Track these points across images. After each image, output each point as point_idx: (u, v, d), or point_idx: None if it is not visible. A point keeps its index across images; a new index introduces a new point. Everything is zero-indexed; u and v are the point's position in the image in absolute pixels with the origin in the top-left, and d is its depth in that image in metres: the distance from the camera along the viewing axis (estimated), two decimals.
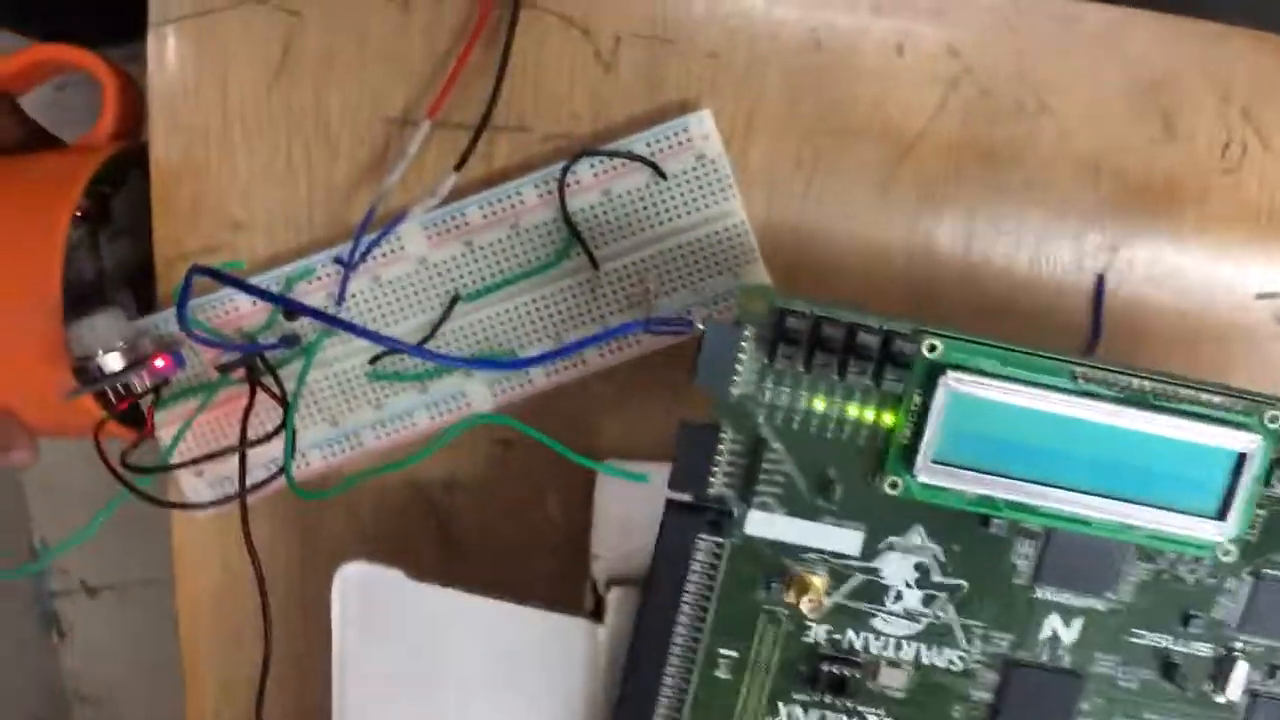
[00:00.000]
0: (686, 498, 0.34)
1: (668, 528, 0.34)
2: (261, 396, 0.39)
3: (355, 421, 0.41)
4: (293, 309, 0.38)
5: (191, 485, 0.41)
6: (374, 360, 0.40)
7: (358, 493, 0.42)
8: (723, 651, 0.35)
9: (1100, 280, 0.42)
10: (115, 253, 0.43)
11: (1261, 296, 0.42)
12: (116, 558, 0.90)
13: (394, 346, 0.36)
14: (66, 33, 0.42)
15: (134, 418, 0.41)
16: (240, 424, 0.39)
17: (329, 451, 0.41)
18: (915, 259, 0.41)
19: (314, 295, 0.40)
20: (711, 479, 0.34)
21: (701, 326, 0.33)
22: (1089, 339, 0.41)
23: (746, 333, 0.33)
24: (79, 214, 0.42)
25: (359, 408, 0.41)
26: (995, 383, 0.33)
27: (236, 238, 0.41)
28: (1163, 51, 0.40)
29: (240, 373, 0.40)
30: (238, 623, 0.43)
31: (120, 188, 0.43)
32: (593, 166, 0.39)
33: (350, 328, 0.35)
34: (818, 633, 0.35)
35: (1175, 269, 0.42)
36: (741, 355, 0.33)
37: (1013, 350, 0.33)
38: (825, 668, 0.35)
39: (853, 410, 0.34)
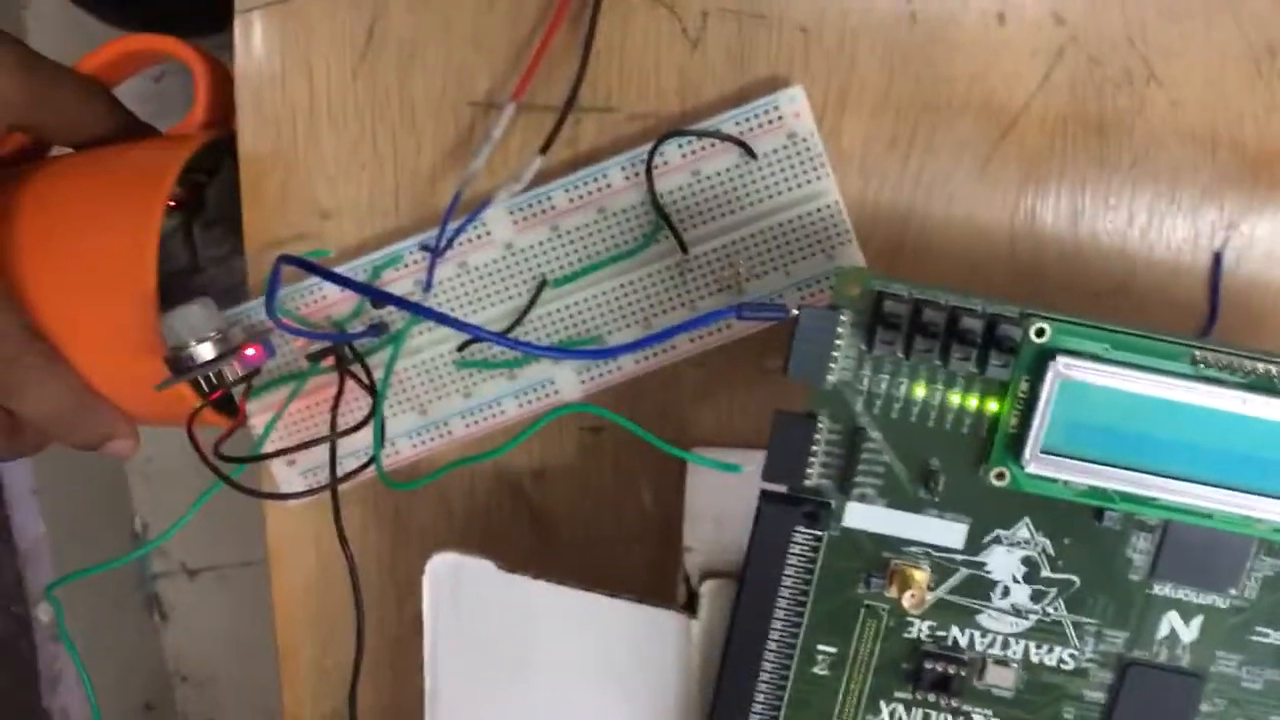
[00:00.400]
0: (782, 489, 0.33)
1: (763, 520, 0.33)
2: (351, 385, 0.39)
3: (444, 410, 0.41)
4: (378, 299, 0.37)
5: (284, 475, 0.41)
6: (462, 348, 0.40)
7: (448, 482, 0.42)
8: (821, 648, 0.34)
9: (1217, 259, 0.39)
10: (210, 241, 0.43)
11: None
12: (215, 540, 0.92)
13: (478, 335, 0.36)
14: (162, 23, 0.42)
15: (228, 406, 0.41)
16: (330, 413, 0.38)
17: (418, 440, 0.41)
18: (1019, 240, 0.39)
19: (401, 282, 0.40)
20: (808, 470, 0.33)
21: (796, 312, 0.32)
22: (1205, 321, 0.39)
23: (843, 317, 0.32)
24: (173, 203, 0.42)
25: (447, 396, 0.40)
26: (1108, 368, 0.31)
27: (324, 226, 0.40)
28: None
29: (329, 361, 0.39)
30: (332, 611, 0.43)
31: (214, 176, 0.43)
32: (680, 147, 0.38)
33: (435, 315, 0.35)
34: (920, 629, 0.34)
35: None
36: (838, 342, 0.32)
37: (1127, 333, 0.31)
38: (929, 665, 0.34)
39: (955, 398, 0.32)
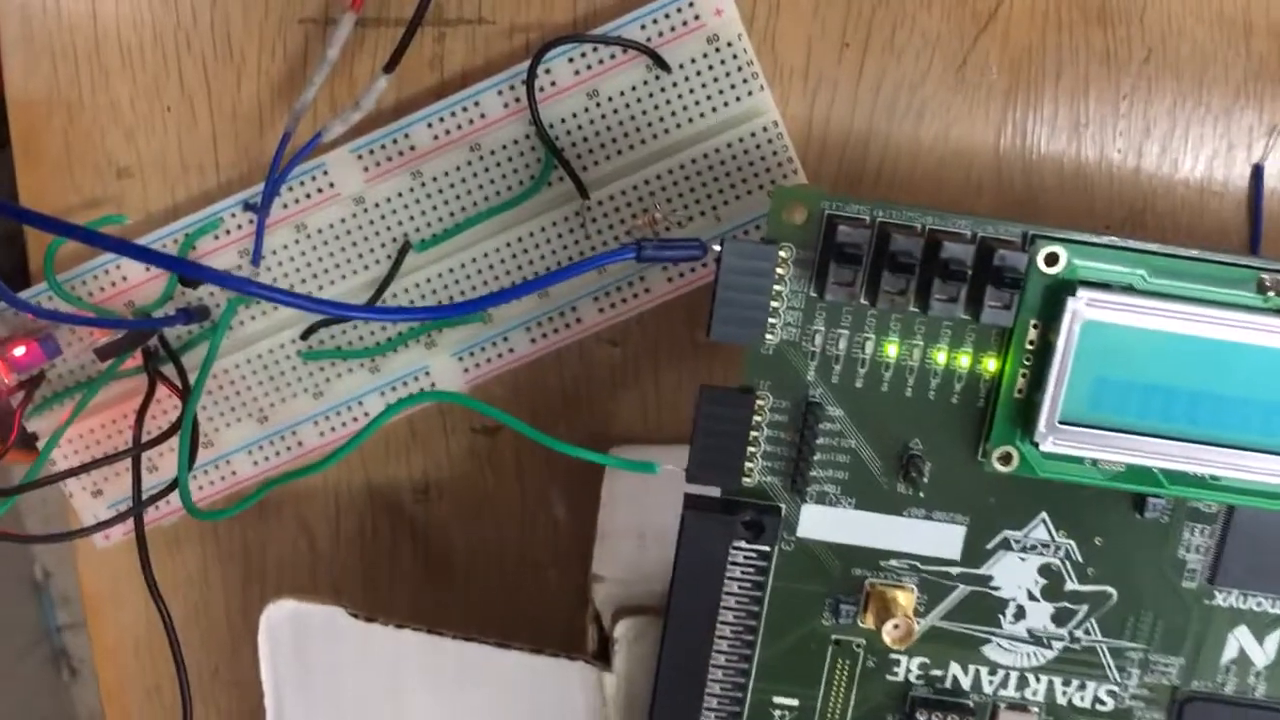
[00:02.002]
0: (714, 492, 0.26)
1: (689, 535, 0.26)
2: (166, 390, 0.31)
3: (291, 415, 0.33)
4: (184, 273, 0.29)
5: (89, 508, 0.33)
6: (306, 335, 0.32)
7: (309, 509, 0.35)
8: (778, 701, 0.27)
9: (1257, 172, 0.33)
10: None
11: None
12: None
13: (315, 309, 0.27)
14: None
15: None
16: (134, 425, 0.30)
17: (261, 455, 0.33)
18: (1008, 163, 0.33)
19: (223, 253, 0.32)
20: (747, 465, 0.26)
21: (718, 249, 0.24)
22: (1249, 248, 0.33)
23: (783, 254, 0.25)
24: None
25: (294, 398, 0.33)
26: (1146, 303, 0.24)
27: (123, 187, 0.33)
28: None
29: (137, 360, 0.31)
30: (170, 675, 0.35)
31: None
32: (572, 61, 0.31)
33: (262, 290, 0.26)
34: (909, 668, 0.27)
35: None
36: (778, 287, 0.25)
37: (1169, 254, 0.24)
38: (922, 716, 0.27)
39: (940, 356, 0.26)
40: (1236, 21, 0.32)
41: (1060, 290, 0.24)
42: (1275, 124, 0.32)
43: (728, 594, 0.26)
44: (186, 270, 0.29)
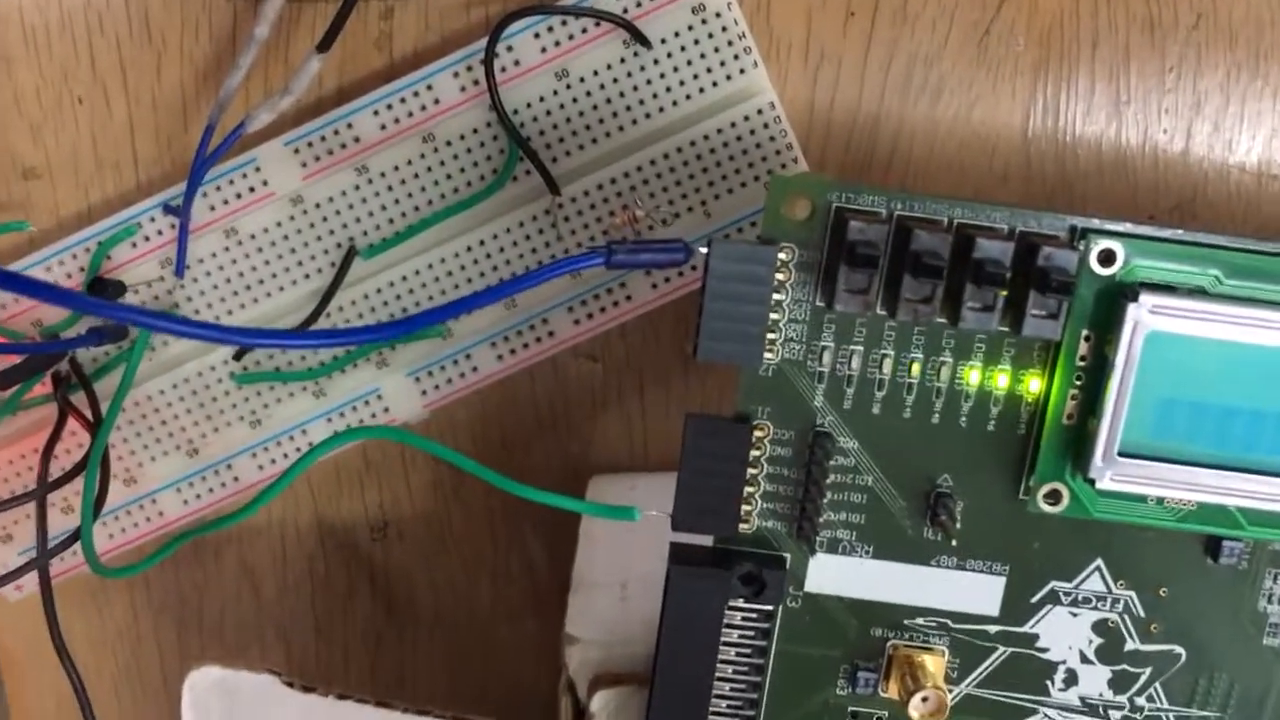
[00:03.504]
0: (705, 541, 0.23)
1: (677, 594, 0.23)
2: (78, 421, 0.28)
3: (224, 447, 0.30)
4: (62, 303, 0.25)
5: None
6: (239, 355, 0.29)
7: (253, 553, 0.32)
8: None
9: None
10: None
11: None
12: None
13: (232, 340, 0.23)
14: None
15: None
16: (40, 462, 0.27)
17: (192, 493, 0.30)
18: (1038, 145, 0.30)
19: (141, 264, 0.29)
20: (745, 507, 0.23)
21: (704, 251, 0.21)
22: None
23: (782, 255, 0.22)
24: None
25: (228, 426, 0.30)
26: (1221, 309, 0.22)
27: (29, 189, 0.30)
28: None
29: (44, 388, 0.28)
30: None
31: None
32: (538, 37, 0.28)
33: (161, 324, 0.22)
34: None
35: None
36: (777, 296, 0.22)
37: (1250, 250, 0.21)
38: None
39: (973, 375, 0.23)
40: None
41: (1119, 295, 0.22)
42: None
43: (724, 661, 0.23)
44: (57, 299, 0.25)
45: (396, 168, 0.28)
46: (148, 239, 0.29)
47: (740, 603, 0.23)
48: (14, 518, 0.30)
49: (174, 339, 0.29)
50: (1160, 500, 0.23)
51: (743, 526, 0.23)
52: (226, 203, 0.28)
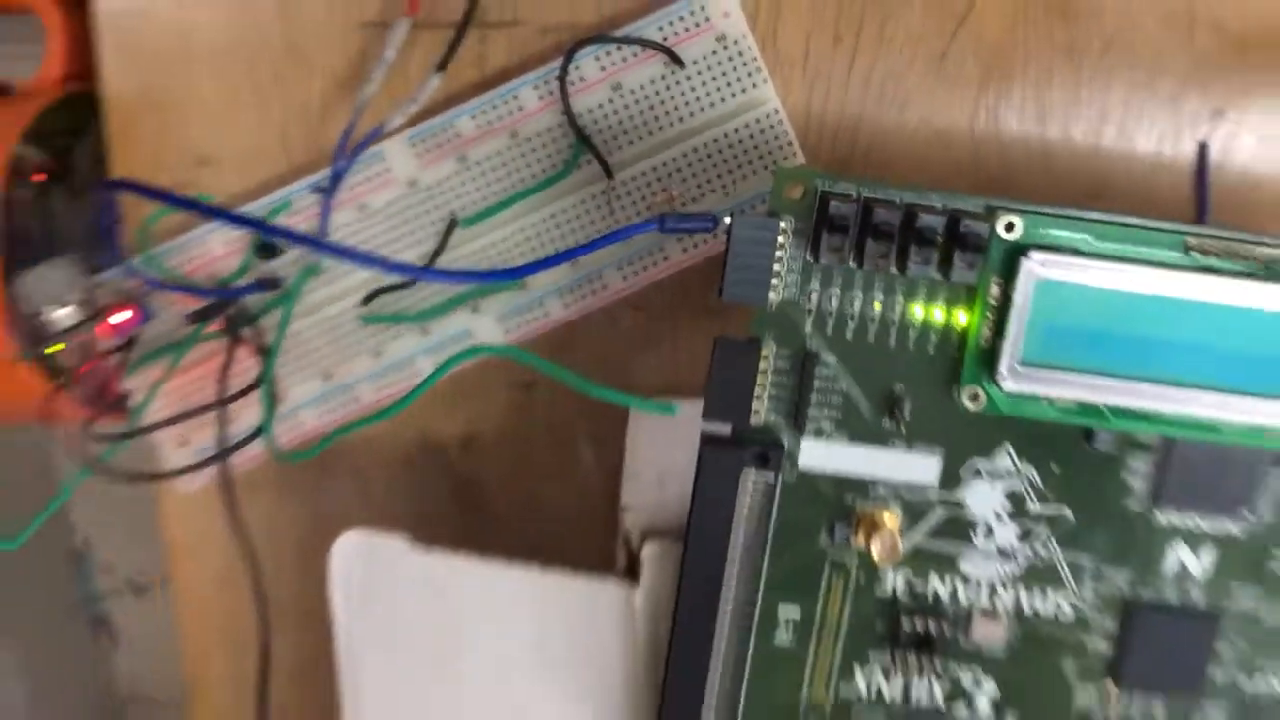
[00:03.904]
0: (726, 429, 0.29)
1: (706, 466, 0.29)
2: (247, 353, 0.35)
3: (351, 374, 0.36)
4: (262, 231, 0.33)
5: (176, 458, 0.37)
6: (366, 300, 0.35)
7: (365, 457, 0.38)
8: (783, 611, 0.30)
9: (1203, 149, 0.35)
10: (79, 209, 0.38)
11: None
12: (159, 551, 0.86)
13: (376, 266, 0.31)
14: None
15: (98, 402, 0.36)
16: (218, 381, 0.34)
17: (324, 409, 0.37)
18: (983, 143, 0.35)
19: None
20: (755, 405, 0.29)
21: (728, 221, 0.27)
22: (1195, 219, 0.35)
23: (783, 225, 0.28)
24: (41, 174, 0.37)
25: (354, 358, 0.36)
26: (1090, 262, 0.27)
27: (205, 175, 0.36)
28: None
29: (218, 325, 0.35)
30: (247, 611, 0.39)
31: (83, 137, 0.38)
32: (598, 59, 0.34)
33: (328, 248, 0.30)
34: (894, 582, 0.30)
35: None
36: (779, 253, 0.28)
37: (1109, 222, 0.27)
38: (906, 623, 0.30)
39: (918, 310, 0.28)
40: (1181, 16, 0.34)
41: (1017, 253, 0.27)
42: (1218, 107, 0.35)
43: (739, 518, 0.29)
44: (259, 228, 0.33)
45: (489, 157, 0.34)
46: (297, 213, 0.35)
47: (751, 473, 0.28)
48: (190, 427, 0.36)
49: (316, 290, 0.36)
50: (1050, 400, 0.28)
51: (754, 419, 0.28)
52: (359, 184, 0.35)
